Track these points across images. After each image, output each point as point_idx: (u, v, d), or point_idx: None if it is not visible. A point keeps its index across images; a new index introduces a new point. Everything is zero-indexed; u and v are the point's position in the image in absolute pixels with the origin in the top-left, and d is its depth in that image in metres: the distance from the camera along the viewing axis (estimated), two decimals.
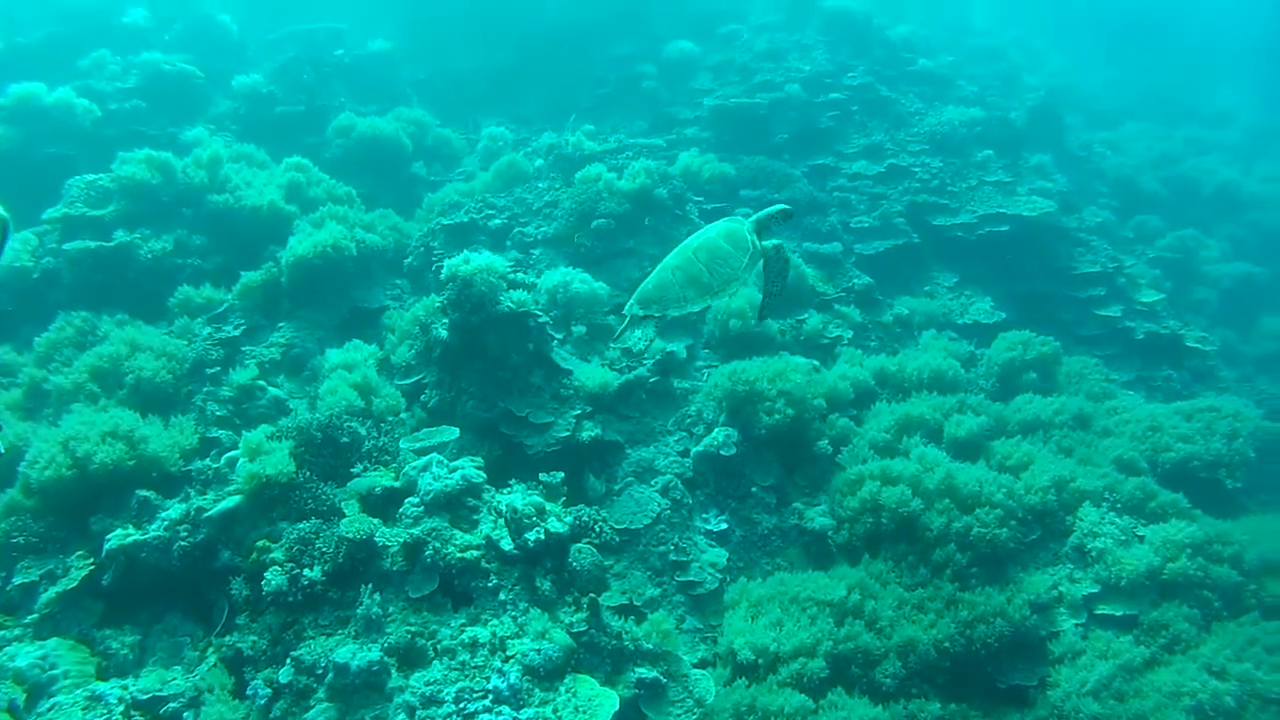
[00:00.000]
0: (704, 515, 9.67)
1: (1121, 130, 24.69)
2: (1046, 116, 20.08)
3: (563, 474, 8.51)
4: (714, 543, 9.42)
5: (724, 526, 9.56)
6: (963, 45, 24.01)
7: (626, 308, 5.93)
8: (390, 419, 9.69)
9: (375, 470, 8.29)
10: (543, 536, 7.45)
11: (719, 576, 9.00)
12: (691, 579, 8.92)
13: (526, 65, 20.23)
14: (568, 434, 9.64)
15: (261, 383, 10.44)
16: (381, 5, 21.90)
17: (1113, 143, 23.30)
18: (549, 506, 7.90)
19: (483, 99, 19.76)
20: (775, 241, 6.04)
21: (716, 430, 10.02)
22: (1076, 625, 8.65)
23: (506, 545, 7.44)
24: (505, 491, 8.07)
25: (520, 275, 10.72)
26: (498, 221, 13.46)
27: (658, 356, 10.95)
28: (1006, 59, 24.53)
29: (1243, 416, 11.32)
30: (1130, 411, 11.48)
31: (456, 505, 7.85)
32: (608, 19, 20.67)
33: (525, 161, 15.02)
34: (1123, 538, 9.22)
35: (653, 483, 9.73)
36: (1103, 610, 8.70)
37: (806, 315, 12.29)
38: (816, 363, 11.33)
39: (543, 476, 8.40)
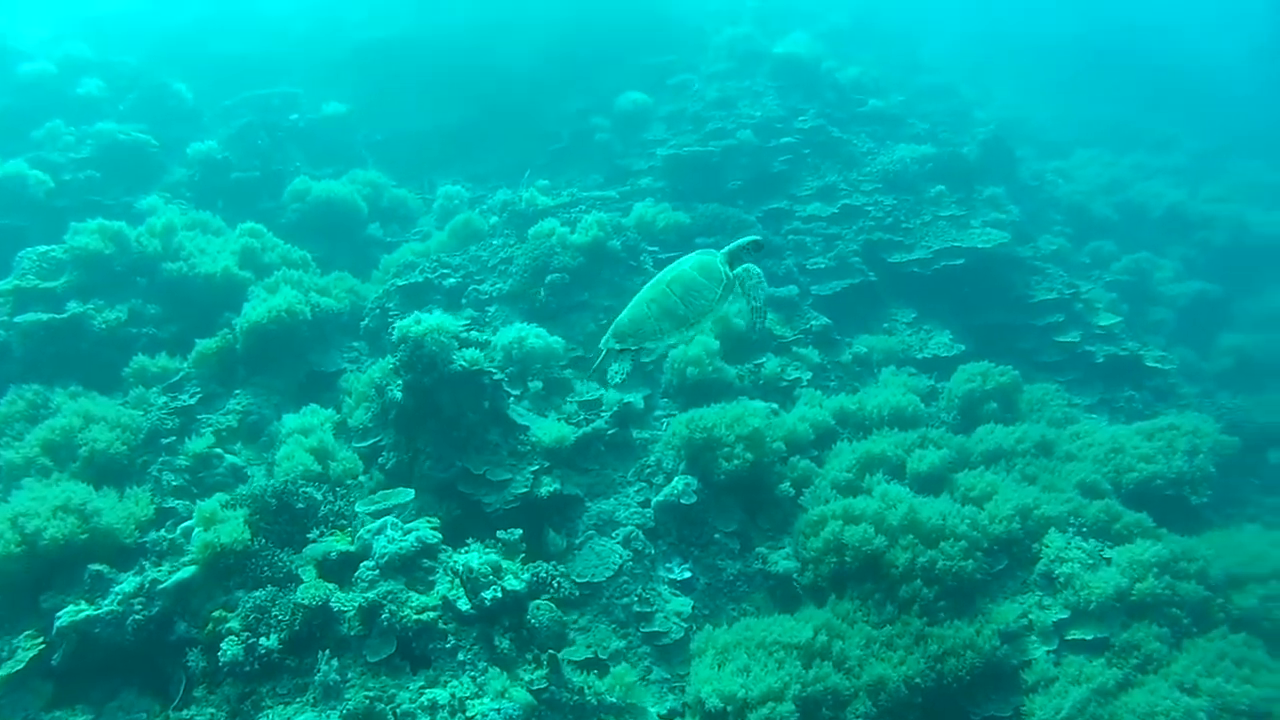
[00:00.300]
0: (667, 565, 9.61)
1: (1072, 158, 25.22)
2: (998, 149, 20.40)
3: (521, 531, 8.50)
4: (678, 592, 9.37)
5: (688, 575, 9.50)
6: (913, 84, 24.41)
7: (603, 342, 6.00)
8: (349, 482, 9.71)
9: (332, 535, 8.27)
10: (500, 595, 7.43)
11: (684, 625, 8.93)
12: (656, 629, 8.84)
13: (482, 124, 20.45)
14: (526, 490, 9.60)
15: (218, 451, 10.37)
16: (336, 68, 22.08)
17: (1064, 171, 23.78)
18: (505, 564, 7.89)
19: (439, 159, 19.90)
20: (742, 267, 6.19)
21: (676, 479, 10.02)
22: (1048, 652, 8.63)
23: (463, 605, 7.41)
24: (462, 551, 8.03)
25: (474, 333, 10.85)
26: (452, 280, 13.51)
27: (615, 408, 11.01)
28: (957, 95, 24.95)
29: (1202, 433, 11.43)
30: (1092, 435, 11.53)
31: (412, 567, 7.84)
32: (562, 75, 20.98)
33: (480, 219, 15.12)
34: (1090, 561, 9.24)
35: (614, 535, 9.69)
36: (1074, 635, 8.71)
37: (764, 359, 12.35)
38: (775, 406, 11.34)
39: (500, 534, 8.39)
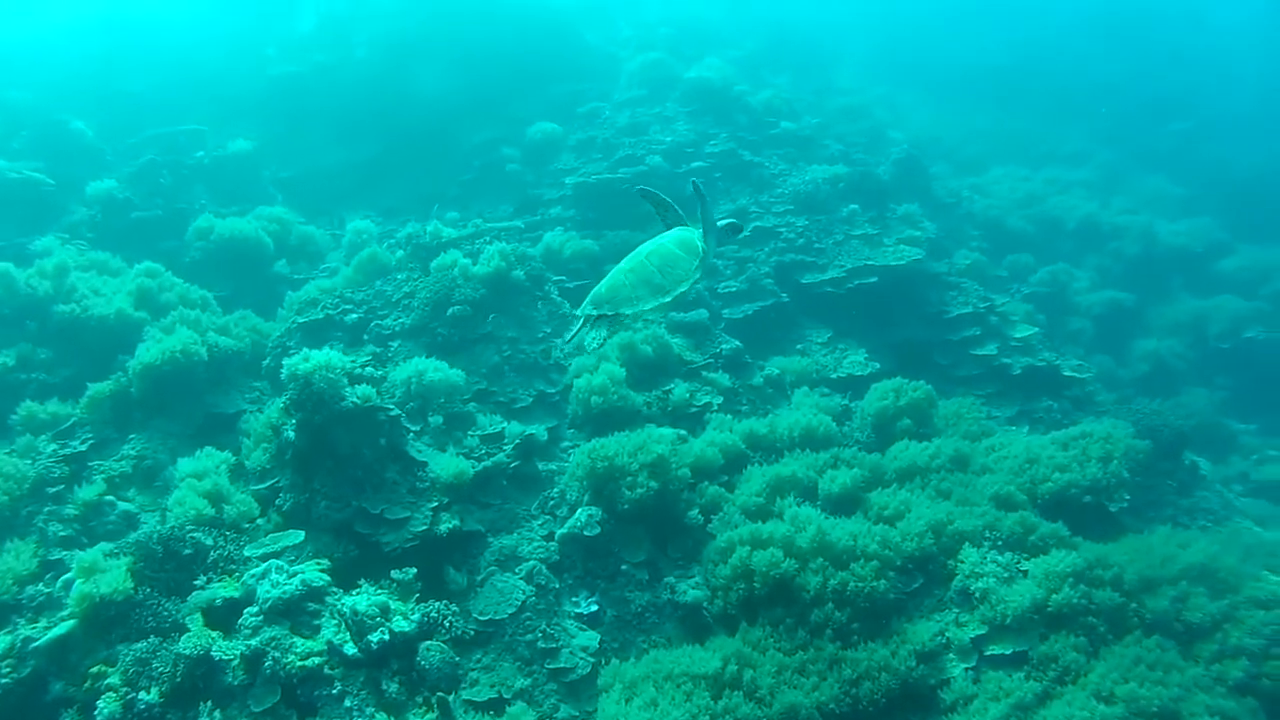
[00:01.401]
0: (573, 598, 9.37)
1: (987, 175, 25.64)
2: (912, 167, 20.62)
3: (415, 570, 8.31)
4: (585, 626, 9.12)
5: (594, 608, 9.25)
6: (829, 106, 24.64)
7: (580, 309, 6.10)
8: (246, 526, 9.43)
9: (220, 581, 8.00)
10: (387, 637, 7.22)
11: (591, 660, 8.68)
12: (562, 666, 8.58)
13: (393, 157, 20.16)
14: (425, 527, 9.34)
15: (110, 498, 10.04)
16: (246, 104, 21.67)
17: (980, 187, 24.14)
18: (395, 605, 7.68)
19: (350, 193, 19.56)
20: (720, 248, 6.47)
21: (579, 511, 9.80)
22: (967, 669, 8.48)
23: (350, 649, 7.20)
24: (353, 593, 7.80)
25: (369, 369, 10.45)
26: (354, 316, 13.20)
27: (518, 440, 10.77)
28: (872, 116, 25.20)
29: (1115, 439, 11.47)
30: (1007, 447, 11.48)
31: (297, 611, 7.61)
32: (473, 106, 20.79)
33: (386, 254, 14.82)
34: (1006, 575, 9.13)
35: (517, 570, 9.45)
36: (992, 650, 8.57)
37: (672, 385, 12.14)
38: (684, 432, 11.15)
39: (394, 574, 8.20)
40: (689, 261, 6.11)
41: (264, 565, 8.00)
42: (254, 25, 23.79)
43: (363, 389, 9.67)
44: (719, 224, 6.39)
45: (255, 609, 7.59)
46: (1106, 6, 35.74)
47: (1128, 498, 11.02)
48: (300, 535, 8.96)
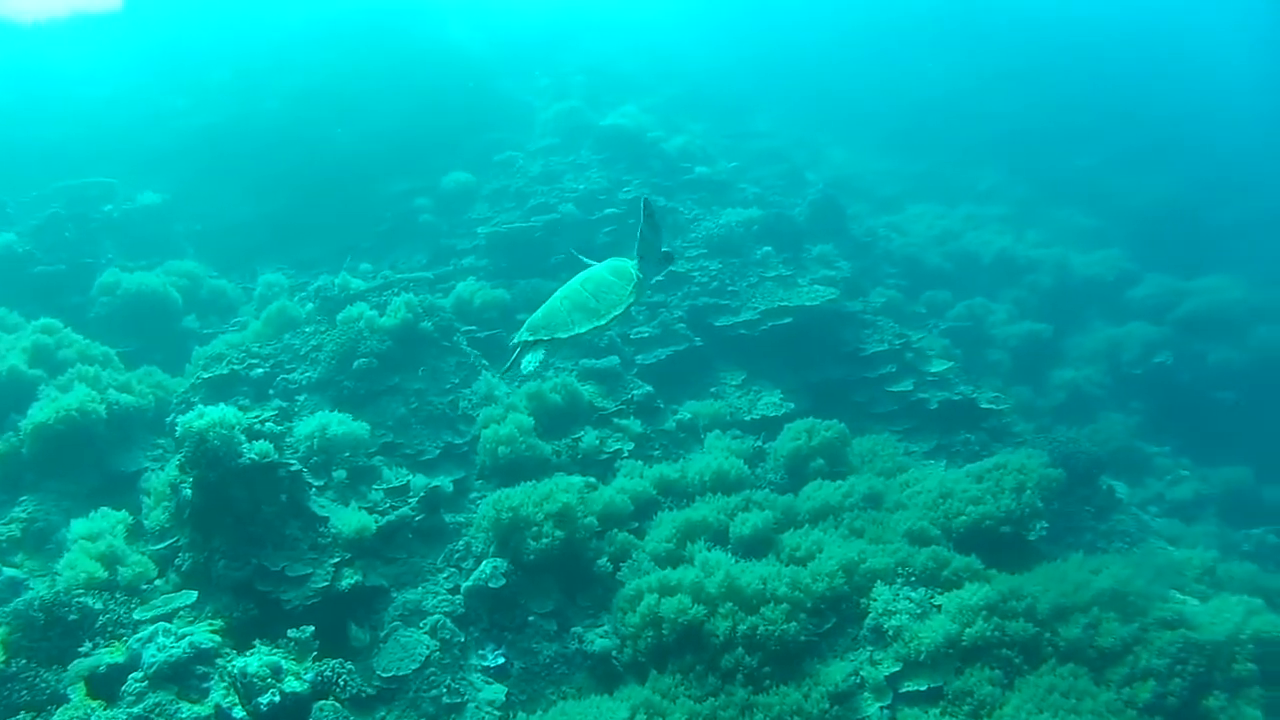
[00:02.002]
0: (480, 652, 9.15)
1: (904, 213, 26.03)
2: (828, 208, 20.82)
3: (312, 628, 8.13)
4: (491, 679, 8.89)
5: (501, 661, 9.06)
6: (746, 150, 24.90)
7: (516, 337, 6.32)
8: (144, 587, 9.15)
9: (107, 647, 7.72)
10: (278, 699, 7.01)
11: (498, 714, 8.49)
12: None
13: (307, 209, 19.88)
14: (327, 584, 9.07)
15: None
16: (159, 156, 21.21)
17: (897, 225, 24.45)
18: (287, 665, 7.47)
19: (264, 246, 19.22)
20: (660, 276, 6.68)
21: (484, 562, 9.62)
22: (882, 708, 8.36)
23: (238, 713, 7.01)
24: (247, 654, 7.59)
25: (269, 425, 10.23)
26: (260, 371, 12.89)
27: (422, 493, 10.55)
28: (789, 159, 25.56)
29: (1028, 469, 11.49)
30: (921, 482, 11.49)
31: (185, 675, 7.37)
32: (388, 156, 20.68)
33: (296, 307, 14.55)
34: (919, 611, 9.06)
35: (421, 624, 9.22)
36: (907, 687, 8.47)
37: (582, 433, 12.00)
38: (593, 479, 10.98)
39: (291, 632, 8.02)
40: (622, 287, 6.36)
41: (150, 628, 7.74)
42: (166, 76, 23.40)
43: (260, 445, 9.43)
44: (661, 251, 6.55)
45: (140, 674, 7.32)
46: (1011, 51, 36.77)
47: (1046, 526, 11.02)
48: (193, 595, 8.71)
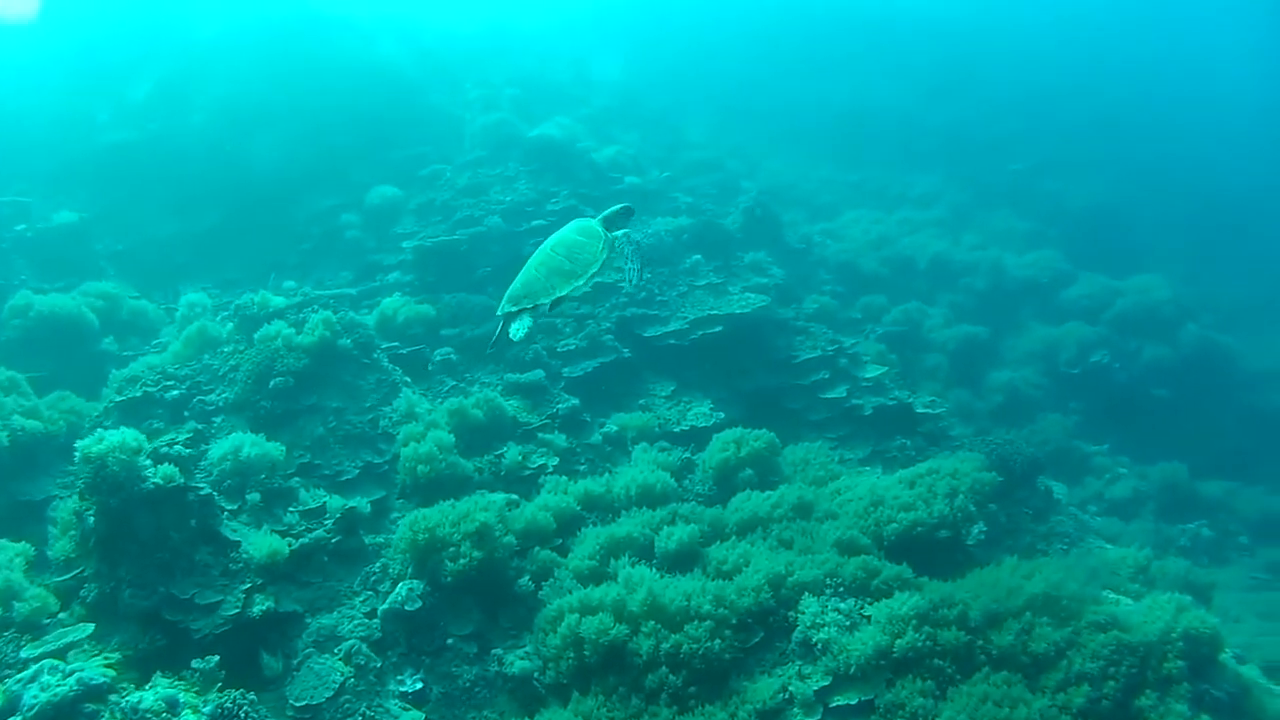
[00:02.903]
0: (398, 677, 8.86)
1: (840, 219, 26.03)
2: (762, 215, 20.67)
3: (217, 658, 7.87)
4: (409, 705, 8.60)
5: (419, 685, 8.76)
6: (680, 160, 24.79)
7: (499, 310, 6.43)
8: (46, 621, 8.66)
9: None
10: None
11: None
12: None
13: (232, 227, 19.32)
14: (237, 611, 8.72)
15: None
16: (78, 173, 20.45)
17: (832, 232, 24.46)
18: (185, 698, 7.17)
19: (188, 265, 18.63)
20: (621, 231, 6.81)
21: (400, 585, 9.32)
22: None
23: None
24: (145, 688, 7.30)
25: (177, 448, 9.89)
26: (176, 393, 12.38)
27: (338, 515, 10.19)
28: (724, 168, 25.47)
29: (961, 474, 11.46)
30: (853, 490, 11.32)
31: (72, 715, 6.97)
32: (315, 172, 20.19)
33: (216, 326, 14.07)
34: (848, 622, 8.90)
35: (336, 650, 8.89)
36: (837, 702, 8.27)
37: (505, 449, 11.68)
38: (515, 496, 10.72)
39: (195, 663, 7.74)
40: (593, 244, 6.51)
41: (34, 667, 7.30)
42: (86, 90, 22.66)
43: (165, 469, 9.05)
44: (616, 207, 6.95)
45: (19, 719, 6.89)
46: (943, 59, 37.23)
47: (984, 529, 11.02)
48: (90, 628, 8.32)
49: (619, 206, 6.90)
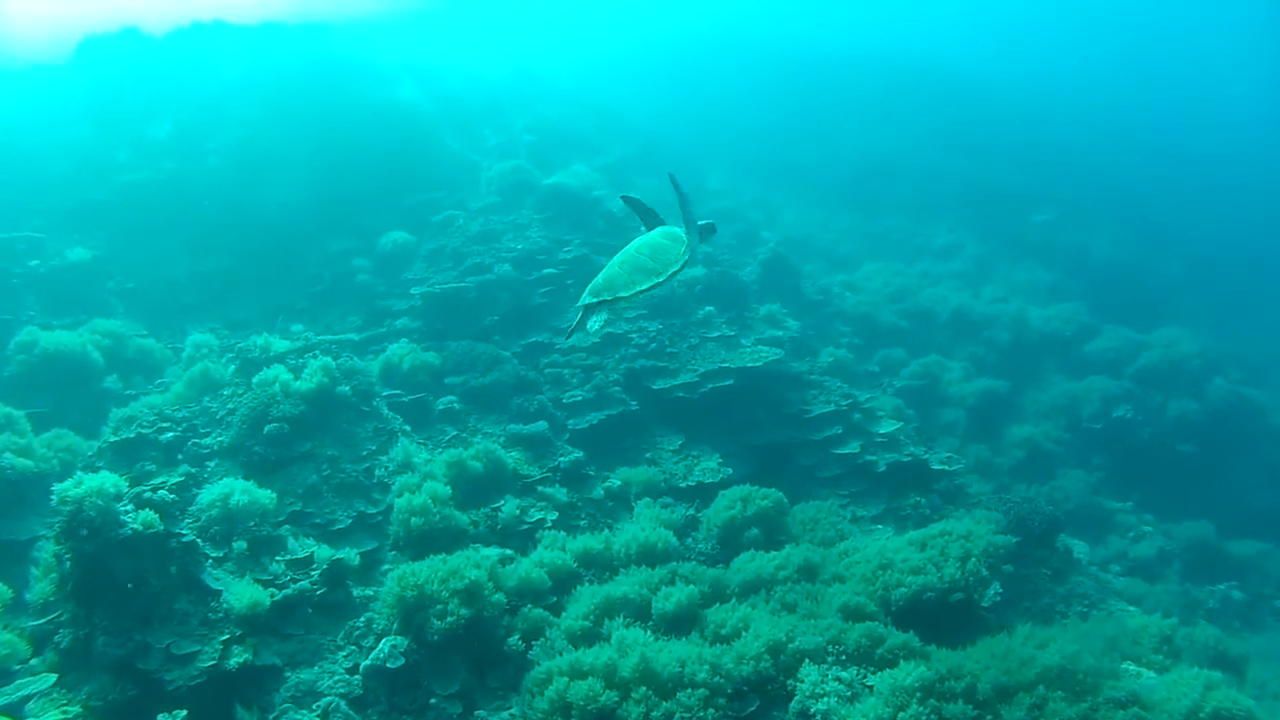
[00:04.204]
0: None
1: (859, 271, 25.77)
2: (779, 267, 20.53)
3: (185, 712, 7.72)
4: None
5: None
6: (700, 210, 24.42)
7: (580, 301, 6.59)
8: (17, 667, 8.58)
9: None
10: None
11: None
12: None
13: (244, 268, 19.26)
14: (213, 663, 8.55)
15: None
16: (94, 211, 20.45)
17: (851, 284, 24.19)
18: None
19: (198, 305, 18.55)
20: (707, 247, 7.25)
21: (383, 641, 9.10)
22: None
23: None
24: None
25: (161, 493, 9.57)
26: (171, 435, 12.24)
27: (325, 566, 9.98)
28: (744, 218, 25.35)
29: (975, 536, 11.06)
30: (861, 552, 10.94)
31: None
32: (328, 215, 20.15)
33: (220, 369, 13.96)
34: (849, 693, 8.49)
35: (314, 707, 8.66)
36: None
37: (503, 502, 11.40)
38: (510, 552, 10.46)
39: (161, 717, 7.58)
40: (675, 248, 6.71)
41: None
42: (108, 129, 22.82)
43: (145, 515, 8.94)
44: (700, 223, 6.99)
45: None
46: (966, 111, 37.21)
47: (999, 590, 10.62)
48: (51, 678, 8.21)
49: (703, 223, 7.06)
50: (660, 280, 6.57)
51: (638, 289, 6.47)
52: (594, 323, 6.61)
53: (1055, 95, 41.57)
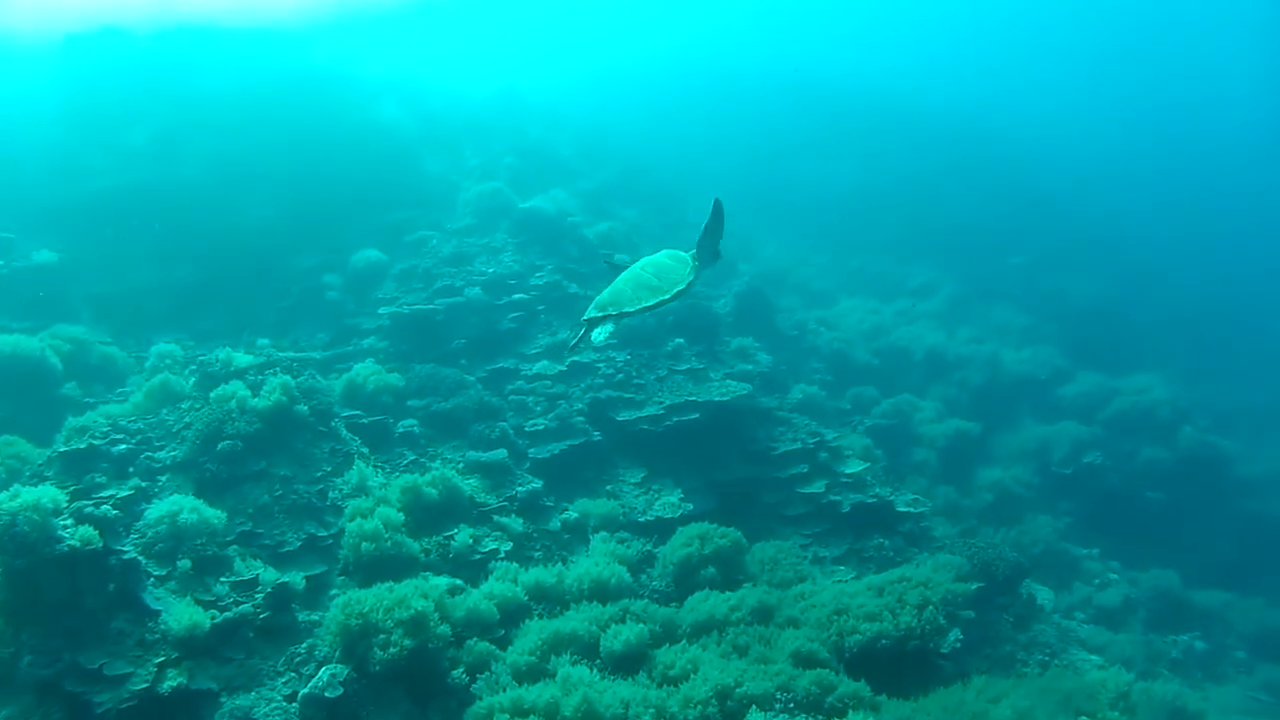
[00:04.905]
0: None
1: (836, 307, 25.77)
2: (755, 300, 20.48)
3: None
4: None
5: None
6: (679, 239, 24.47)
7: (585, 315, 6.77)
8: None
9: None
10: None
11: None
12: None
13: (215, 279, 18.96)
14: (146, 686, 8.32)
15: None
16: (65, 215, 20.16)
17: (827, 320, 24.14)
18: None
19: (166, 315, 18.23)
20: (711, 269, 7.48)
21: (323, 670, 8.86)
22: None
23: None
24: None
25: (105, 508, 9.36)
26: (124, 447, 11.93)
27: (269, 589, 9.76)
28: (723, 250, 25.15)
29: (934, 583, 10.97)
30: (817, 595, 10.81)
31: None
32: (300, 230, 19.92)
33: (180, 380, 13.72)
34: None
35: None
36: None
37: (456, 530, 11.19)
38: (460, 582, 10.25)
39: None
40: (680, 268, 7.02)
41: None
42: (85, 133, 22.53)
43: (84, 531, 8.73)
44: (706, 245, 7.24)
45: None
46: (949, 150, 37.45)
47: (960, 637, 10.51)
48: None
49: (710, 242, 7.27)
50: (666, 298, 6.83)
51: (643, 305, 6.70)
52: (599, 334, 6.79)
53: (1038, 139, 41.97)
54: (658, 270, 6.94)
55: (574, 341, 7.28)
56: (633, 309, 6.71)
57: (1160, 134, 46.42)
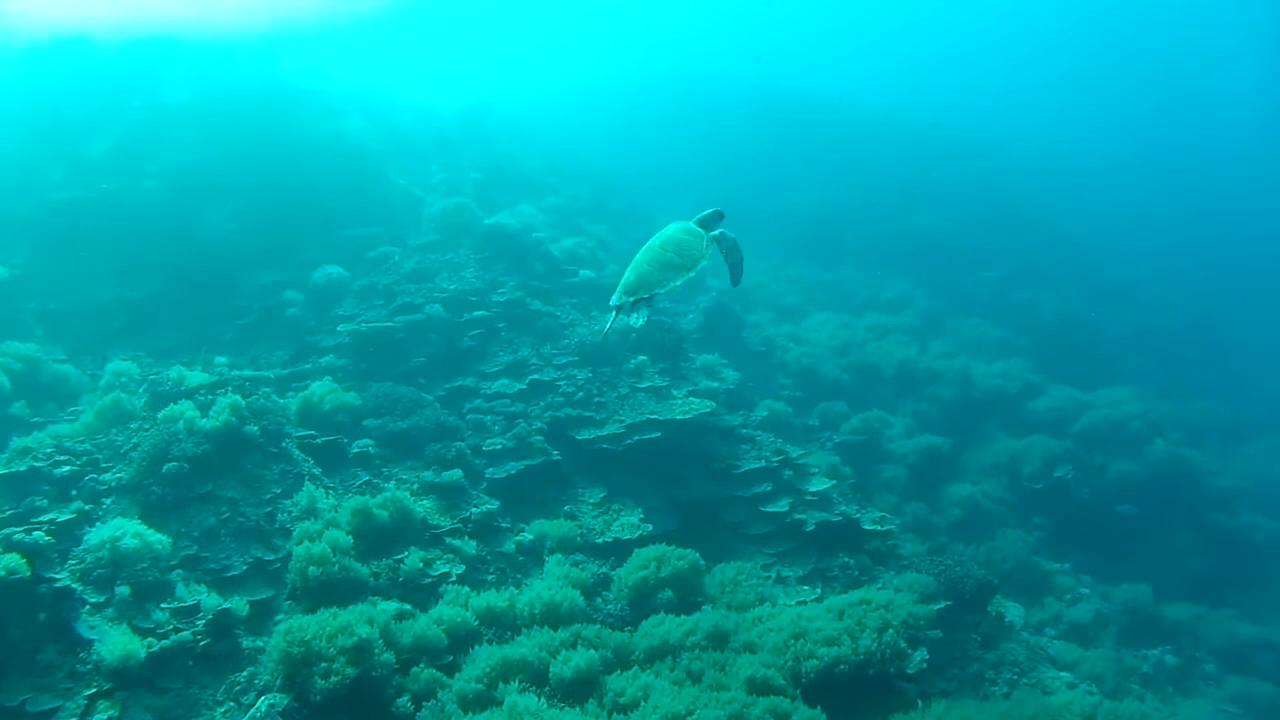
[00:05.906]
0: None
1: (806, 322, 25.58)
2: (722, 316, 20.37)
3: None
4: None
5: None
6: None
7: (613, 300, 6.71)
8: None
9: None
10: None
11: None
12: None
13: (174, 295, 18.59)
14: None
15: None
16: (20, 228, 19.74)
17: (796, 335, 24.03)
18: None
19: (123, 332, 17.86)
20: (717, 231, 7.16)
21: (261, 700, 8.58)
22: None
23: None
24: None
25: (38, 534, 9.23)
26: (67, 469, 11.61)
27: (210, 615, 9.48)
28: None
29: (895, 606, 10.82)
30: (776, 619, 10.59)
31: None
32: (262, 246, 19.59)
33: (132, 400, 13.40)
34: None
35: None
36: None
37: (406, 553, 10.93)
38: (408, 607, 10.03)
39: None
40: (697, 243, 6.85)
41: None
42: (43, 145, 22.12)
43: (10, 559, 8.51)
44: (707, 212, 7.18)
45: None
46: (922, 161, 37.48)
47: (925, 658, 10.34)
48: None
49: (710, 210, 7.14)
50: (691, 276, 6.74)
51: (671, 285, 6.60)
52: (637, 318, 6.71)
53: (1010, 153, 42.16)
54: (677, 247, 6.76)
55: (605, 330, 7.37)
56: (661, 290, 6.61)
57: (1132, 148, 46.77)
